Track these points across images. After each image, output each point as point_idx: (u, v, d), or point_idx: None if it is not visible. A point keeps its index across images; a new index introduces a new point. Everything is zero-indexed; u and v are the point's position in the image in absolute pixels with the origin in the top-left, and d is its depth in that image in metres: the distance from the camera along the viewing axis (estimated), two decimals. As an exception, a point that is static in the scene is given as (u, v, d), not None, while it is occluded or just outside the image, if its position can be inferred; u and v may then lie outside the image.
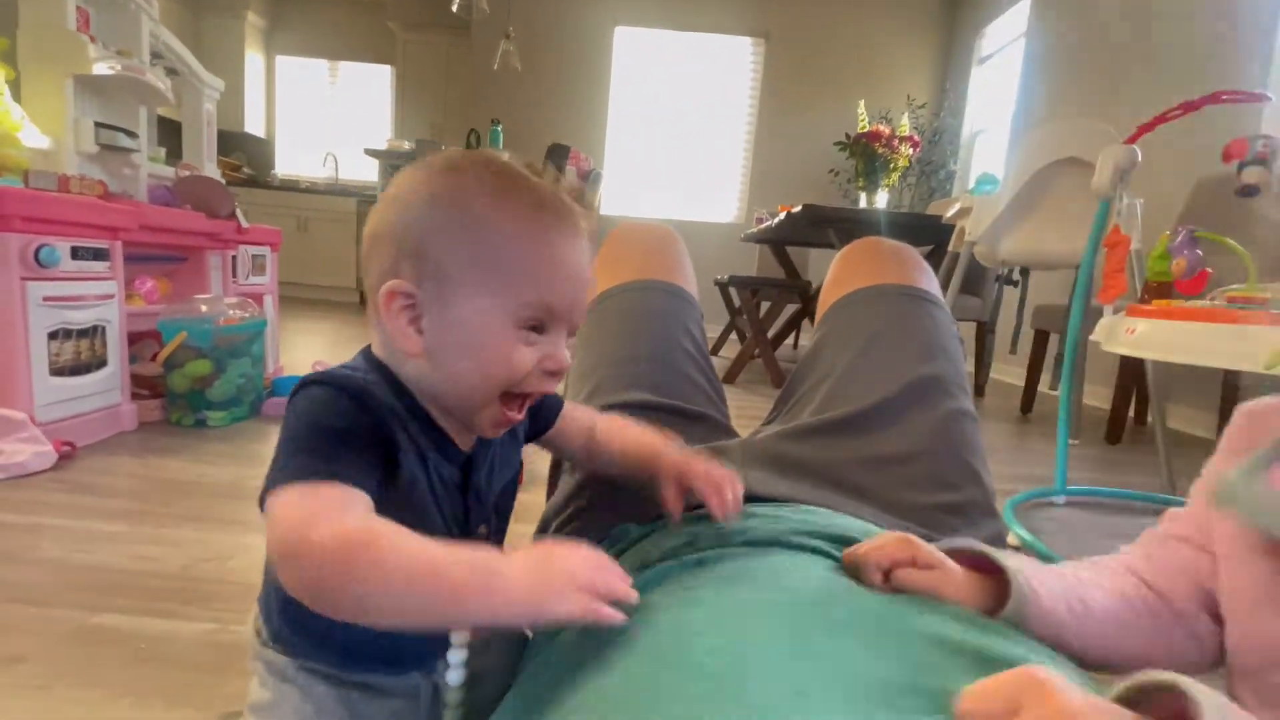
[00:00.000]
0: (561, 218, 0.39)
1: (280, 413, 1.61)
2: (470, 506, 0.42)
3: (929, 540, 0.54)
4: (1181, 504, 0.47)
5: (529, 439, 0.52)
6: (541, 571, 0.31)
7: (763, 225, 3.26)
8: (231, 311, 1.54)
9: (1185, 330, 1.02)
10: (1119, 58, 2.82)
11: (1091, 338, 1.25)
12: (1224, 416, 2.19)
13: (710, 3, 4.46)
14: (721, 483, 0.47)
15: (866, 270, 0.78)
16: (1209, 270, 1.19)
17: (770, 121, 4.56)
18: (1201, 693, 0.23)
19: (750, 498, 0.51)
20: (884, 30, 4.45)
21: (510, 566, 0.31)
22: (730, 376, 2.73)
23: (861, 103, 3.71)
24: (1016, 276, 2.26)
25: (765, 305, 3.10)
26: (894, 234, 2.67)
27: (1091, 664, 0.40)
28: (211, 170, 1.99)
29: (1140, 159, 1.31)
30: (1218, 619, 0.40)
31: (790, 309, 3.08)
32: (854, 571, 0.41)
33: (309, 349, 2.72)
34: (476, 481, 0.43)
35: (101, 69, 1.47)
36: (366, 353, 0.42)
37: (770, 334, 2.95)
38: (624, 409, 0.64)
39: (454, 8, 3.32)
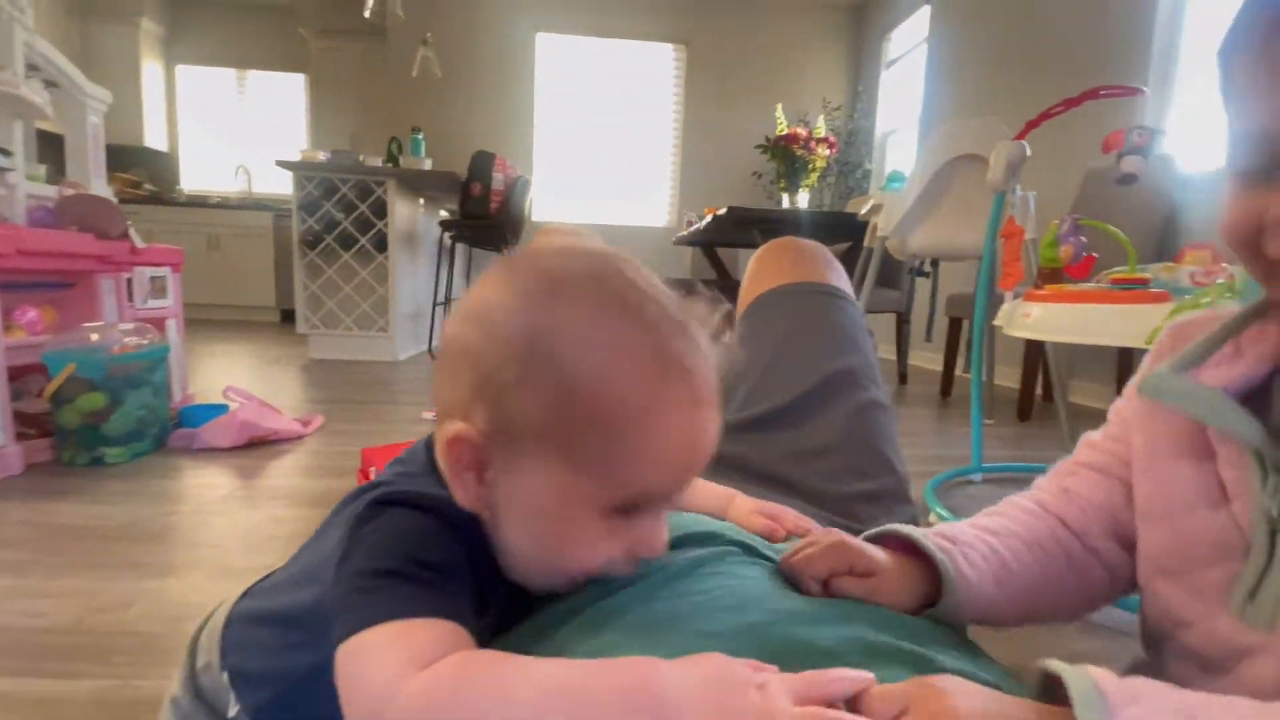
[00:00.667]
0: (687, 381, 0.30)
1: (188, 444, 1.52)
2: None
3: (852, 531, 0.56)
4: None
5: None
6: (722, 696, 0.23)
7: (692, 228, 3.32)
8: (127, 339, 1.43)
9: (1074, 312, 1.10)
10: (1013, 59, 3.02)
11: (995, 322, 1.34)
12: (1121, 389, 2.39)
13: (630, 10, 4.51)
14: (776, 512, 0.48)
15: (781, 269, 0.80)
16: (1094, 255, 1.29)
17: (695, 125, 4.65)
18: (1074, 678, 0.25)
19: None
20: (798, 36, 4.61)
21: (675, 679, 0.24)
22: (668, 378, 2.76)
23: (779, 106, 3.84)
24: (927, 268, 2.39)
25: (699, 306, 3.14)
26: (814, 232, 2.79)
27: (1015, 622, 0.42)
28: (100, 188, 1.85)
29: (1029, 153, 1.40)
30: (1126, 547, 0.42)
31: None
32: (792, 578, 0.40)
33: (222, 374, 2.56)
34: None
35: (-37, 81, 1.34)
36: (430, 456, 0.35)
37: (705, 334, 2.99)
38: None
39: (366, 14, 3.22)
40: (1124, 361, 2.30)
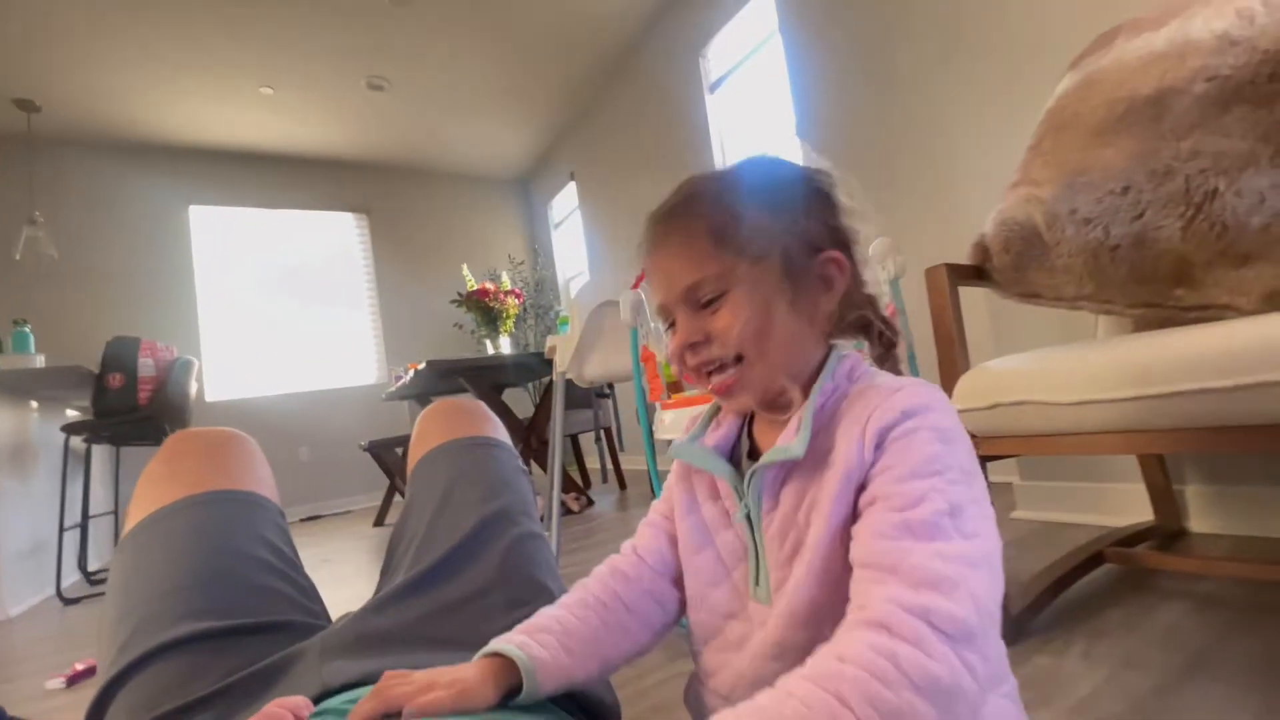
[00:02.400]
0: None
1: None
2: None
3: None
4: None
5: None
6: None
7: (400, 383, 3.30)
8: None
9: (684, 414, 1.44)
10: (635, 220, 3.85)
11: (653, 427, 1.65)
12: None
13: (300, 181, 4.52)
14: (277, 708, 0.45)
15: (439, 428, 0.86)
16: (702, 367, 1.70)
17: (389, 287, 4.73)
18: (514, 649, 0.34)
19: (329, 691, 0.52)
20: (476, 204, 5.15)
21: None
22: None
23: (465, 266, 4.20)
24: (607, 390, 2.78)
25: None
26: (517, 372, 3.04)
27: (597, 675, 0.52)
28: None
29: (644, 299, 1.82)
30: (673, 581, 0.56)
31: (443, 459, 3.13)
32: None
33: None
34: None
35: None
36: None
37: (426, 489, 2.92)
38: (173, 648, 0.57)
39: (-66, 196, 2.65)
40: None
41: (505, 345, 3.85)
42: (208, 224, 4.26)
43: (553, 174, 4.86)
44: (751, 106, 3.06)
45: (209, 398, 4.02)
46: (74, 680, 1.51)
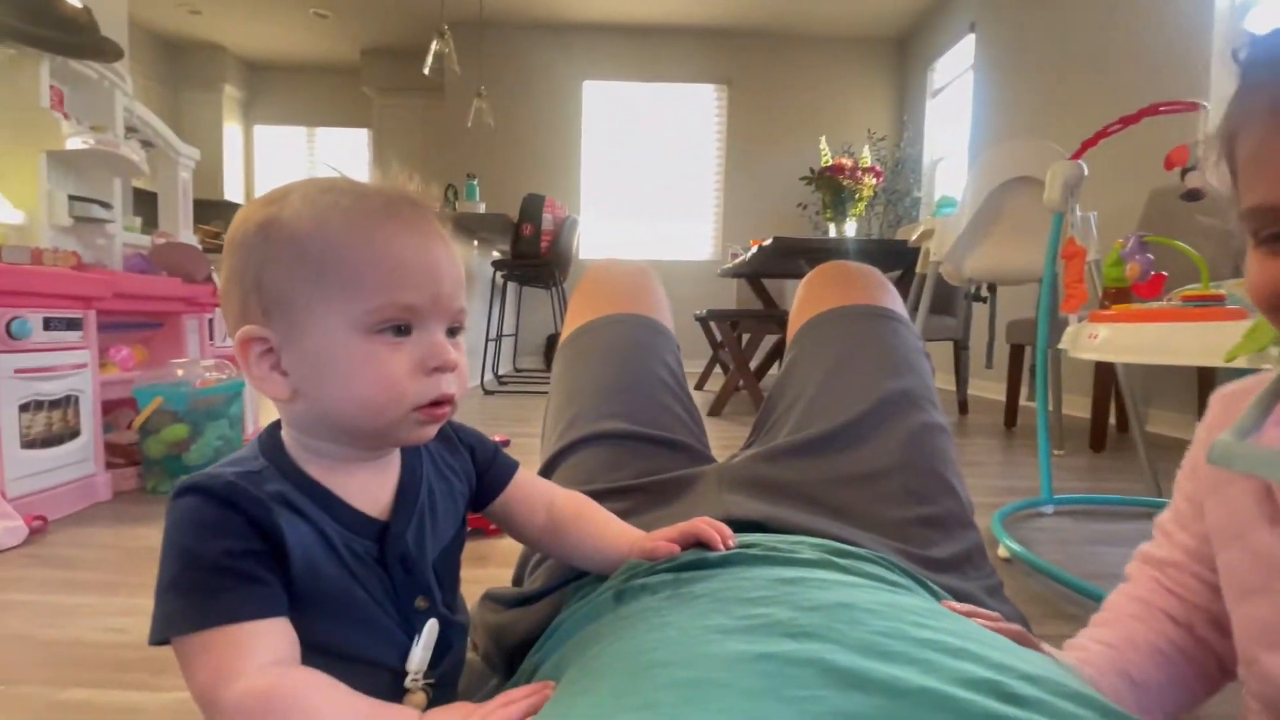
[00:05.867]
0: (393, 212, 0.36)
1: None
2: (397, 579, 0.38)
3: (909, 555, 0.54)
4: (1164, 505, 0.48)
5: (477, 506, 0.48)
6: None
7: (737, 260, 3.34)
8: (208, 374, 1.53)
9: (1145, 331, 1.04)
10: (1064, 78, 2.97)
11: (1060, 345, 1.28)
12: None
13: (673, 53, 4.67)
14: (707, 526, 0.46)
15: (832, 292, 0.80)
16: (1164, 273, 1.23)
17: (738, 161, 4.72)
18: None
19: (730, 521, 0.50)
20: (840, 70, 4.66)
21: None
22: (716, 409, 2.74)
23: (823, 138, 3.88)
24: (984, 293, 2.32)
25: (746, 337, 3.14)
26: (862, 260, 2.75)
27: None
28: (188, 237, 2.01)
29: (1086, 173, 1.36)
30: (1224, 633, 0.41)
31: (770, 339, 3.13)
32: None
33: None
34: (400, 551, 0.38)
35: (75, 144, 1.49)
36: (267, 430, 0.40)
37: (753, 365, 2.98)
38: (602, 439, 0.66)
39: (425, 70, 3.44)
40: (1205, 388, 2.16)
41: (849, 230, 3.55)
42: (596, 97, 4.76)
43: (945, 27, 4.05)
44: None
45: (581, 254, 4.70)
46: (492, 452, 1.98)
